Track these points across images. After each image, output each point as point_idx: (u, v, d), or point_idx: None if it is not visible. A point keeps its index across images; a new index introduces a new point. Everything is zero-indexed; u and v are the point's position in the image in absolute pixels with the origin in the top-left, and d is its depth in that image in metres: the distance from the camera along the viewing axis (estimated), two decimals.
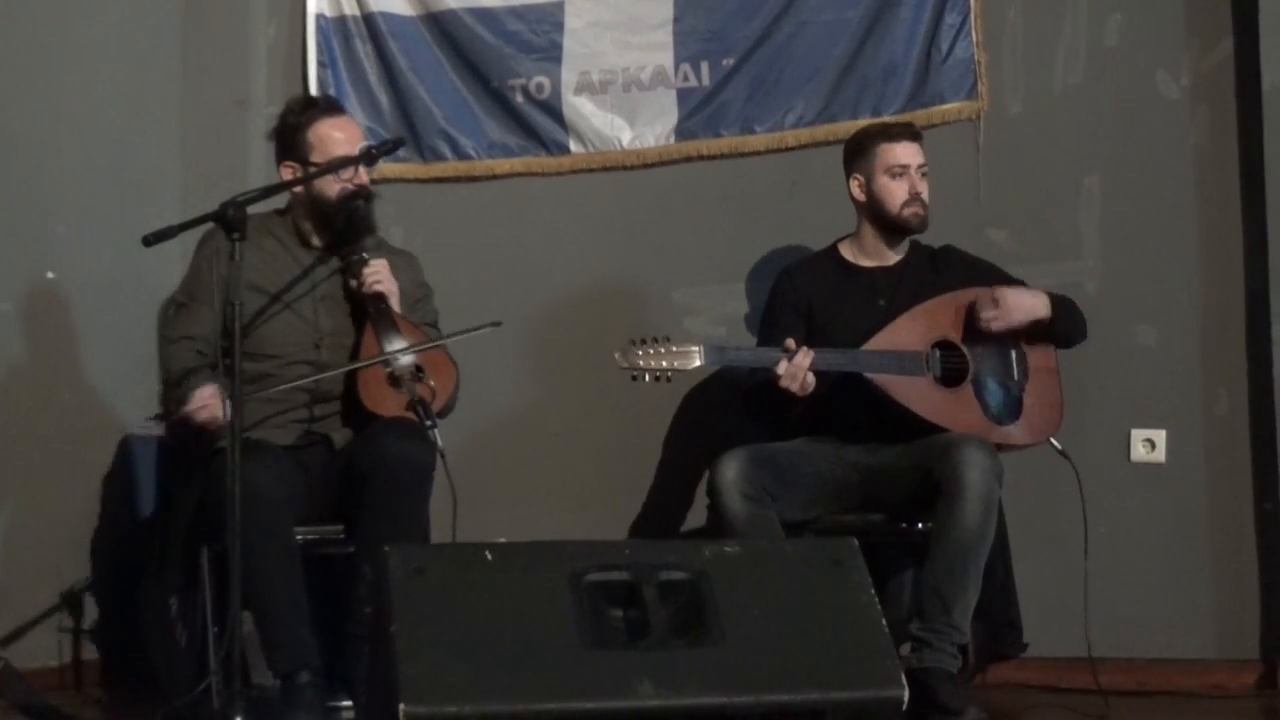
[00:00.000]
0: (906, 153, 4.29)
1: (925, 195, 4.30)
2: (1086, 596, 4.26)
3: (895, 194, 4.29)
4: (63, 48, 4.48)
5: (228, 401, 3.75)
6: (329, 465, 4.02)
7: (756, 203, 4.87)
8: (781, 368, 4.04)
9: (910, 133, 4.34)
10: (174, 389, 3.99)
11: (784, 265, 4.49)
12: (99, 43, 4.61)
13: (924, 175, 4.31)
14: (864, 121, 4.69)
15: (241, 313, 3.55)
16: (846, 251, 4.43)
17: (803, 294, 4.37)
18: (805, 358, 4.03)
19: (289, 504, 3.82)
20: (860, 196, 4.34)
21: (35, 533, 4.33)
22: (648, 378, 4.04)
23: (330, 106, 4.21)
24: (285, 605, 3.78)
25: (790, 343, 4.07)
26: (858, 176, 4.33)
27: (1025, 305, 4.25)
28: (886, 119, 4.59)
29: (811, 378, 4.04)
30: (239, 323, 3.52)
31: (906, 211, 4.29)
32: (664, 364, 4.03)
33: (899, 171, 4.28)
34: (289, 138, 4.09)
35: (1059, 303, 4.28)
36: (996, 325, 4.22)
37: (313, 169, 4.01)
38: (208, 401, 3.85)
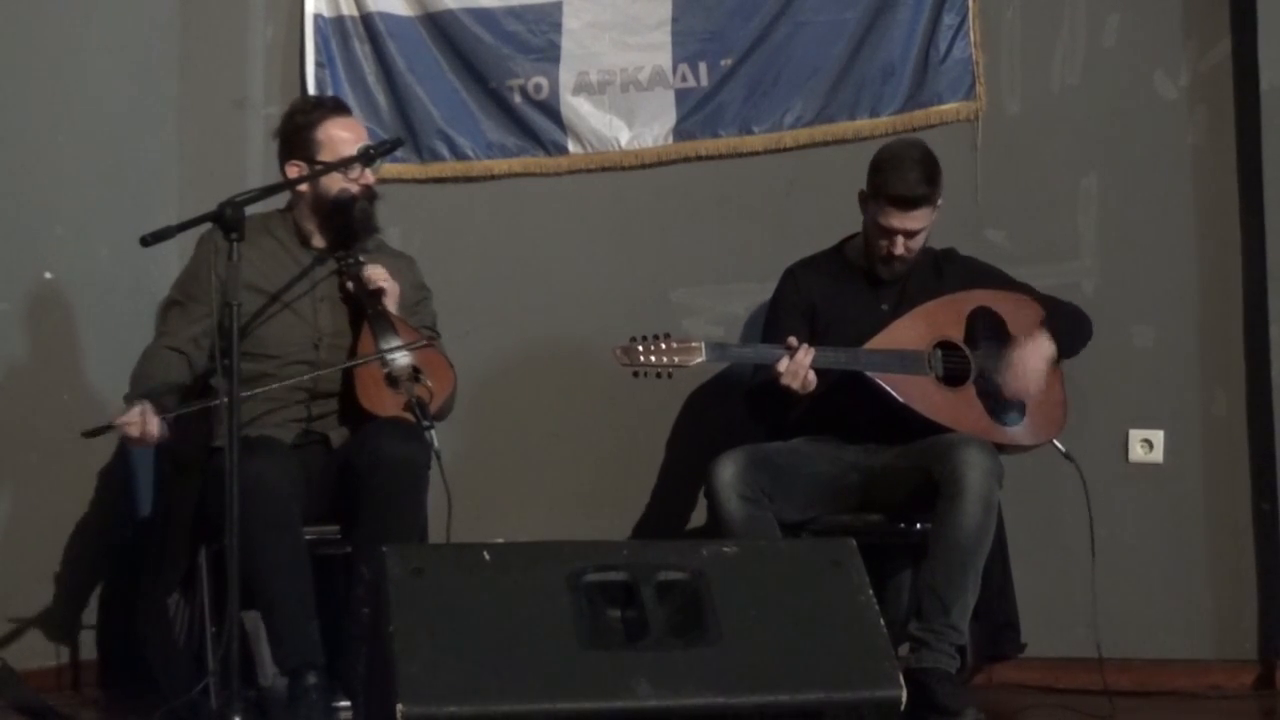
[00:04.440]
0: (900, 220, 4.18)
1: (914, 251, 4.24)
2: (1095, 597, 4.26)
3: (876, 245, 4.25)
4: (62, 48, 4.48)
5: (158, 420, 3.77)
6: (327, 465, 4.02)
7: (755, 203, 4.87)
8: (782, 365, 4.03)
9: (912, 201, 4.16)
10: (133, 390, 3.97)
11: (788, 264, 4.46)
12: (98, 43, 4.61)
13: (919, 234, 4.22)
14: (864, 122, 4.73)
15: (240, 313, 3.55)
16: (851, 252, 4.42)
17: (805, 294, 4.37)
18: (806, 355, 4.03)
19: (295, 500, 3.83)
20: (862, 214, 4.31)
21: (33, 533, 4.33)
22: (649, 374, 4.05)
23: (337, 107, 4.21)
24: (292, 601, 3.78)
25: (792, 340, 4.07)
26: (864, 199, 4.27)
27: (1039, 360, 4.19)
28: (883, 152, 4.30)
29: (813, 376, 4.04)
30: (237, 323, 3.52)
31: (880, 265, 4.28)
32: (665, 360, 4.03)
33: (887, 231, 4.23)
34: (296, 137, 4.09)
35: (1060, 330, 4.25)
36: (1033, 389, 4.19)
37: (317, 169, 4.01)
38: (131, 420, 3.79)
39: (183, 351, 4.02)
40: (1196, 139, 4.67)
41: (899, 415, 4.14)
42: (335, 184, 4.06)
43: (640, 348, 4.03)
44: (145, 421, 3.79)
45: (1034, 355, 4.20)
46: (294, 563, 3.79)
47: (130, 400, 3.89)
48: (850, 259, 4.40)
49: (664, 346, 4.03)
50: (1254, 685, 4.54)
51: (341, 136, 4.07)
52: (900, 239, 4.21)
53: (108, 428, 3.83)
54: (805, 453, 4.23)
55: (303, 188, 4.06)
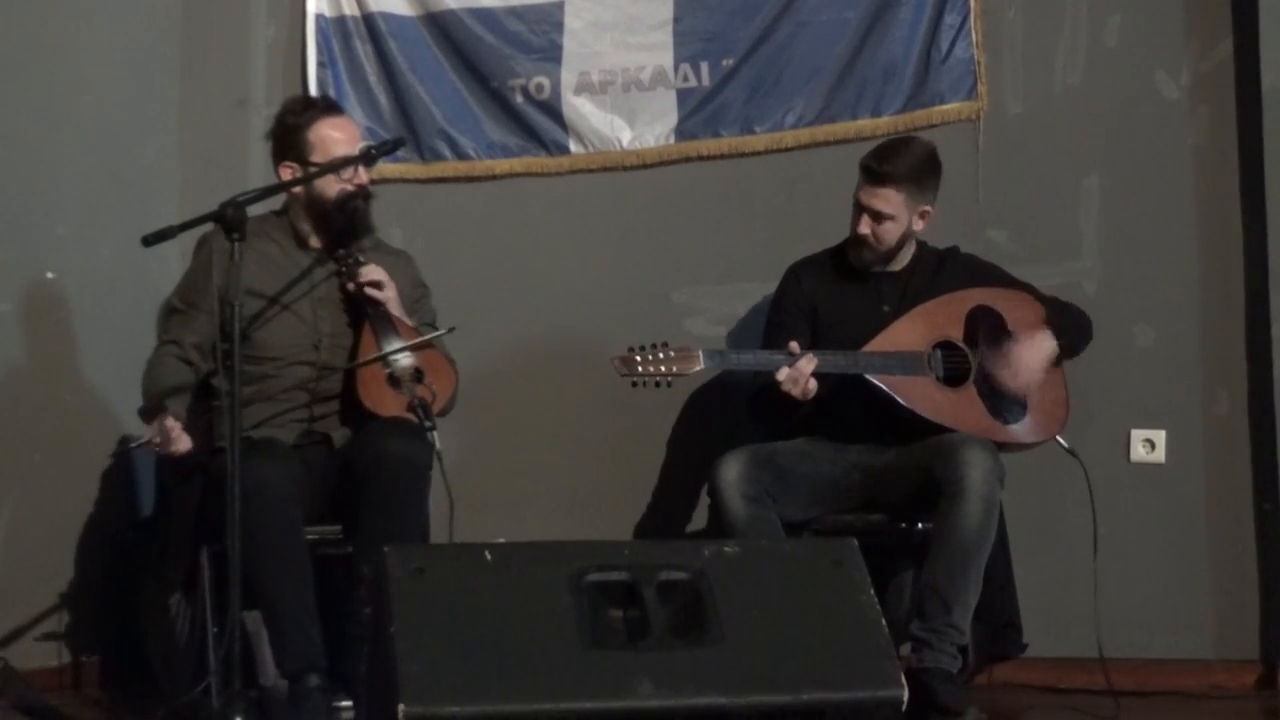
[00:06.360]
0: (867, 194, 4.19)
1: (882, 239, 4.21)
2: (1097, 597, 4.26)
3: (852, 223, 4.26)
4: (63, 48, 4.48)
5: (186, 435, 3.77)
6: (329, 465, 4.02)
7: (756, 203, 4.87)
8: (782, 374, 4.03)
9: (878, 175, 4.17)
10: (149, 401, 3.98)
11: (790, 264, 4.45)
12: (99, 43, 4.61)
13: (886, 220, 4.19)
14: (865, 122, 4.73)
15: (240, 315, 3.54)
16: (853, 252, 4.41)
17: (808, 294, 4.36)
18: (809, 363, 4.03)
19: (297, 502, 3.82)
20: None
21: (34, 533, 4.33)
22: (647, 384, 4.04)
23: (329, 107, 4.21)
24: (294, 604, 3.78)
25: (794, 346, 4.06)
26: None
27: (1039, 357, 4.19)
28: (885, 139, 4.39)
29: (814, 383, 4.03)
30: (238, 324, 3.52)
31: (850, 247, 4.28)
32: (663, 369, 4.03)
33: (859, 206, 4.23)
34: (288, 138, 4.08)
35: (1063, 328, 4.24)
36: (1032, 386, 4.18)
37: (312, 169, 4.01)
38: (161, 433, 3.80)
39: (188, 360, 4.01)
40: (1198, 139, 4.67)
41: (901, 417, 4.13)
42: (330, 185, 4.05)
43: (638, 358, 4.03)
44: (172, 436, 3.79)
45: (1034, 352, 4.19)
46: (295, 566, 3.79)
47: (150, 413, 3.89)
48: (852, 260, 4.39)
49: (662, 355, 4.03)
50: (1256, 685, 4.54)
51: (334, 136, 4.06)
52: (865, 217, 4.20)
53: (136, 445, 3.85)
54: (807, 452, 4.22)
55: (297, 189, 4.06)
